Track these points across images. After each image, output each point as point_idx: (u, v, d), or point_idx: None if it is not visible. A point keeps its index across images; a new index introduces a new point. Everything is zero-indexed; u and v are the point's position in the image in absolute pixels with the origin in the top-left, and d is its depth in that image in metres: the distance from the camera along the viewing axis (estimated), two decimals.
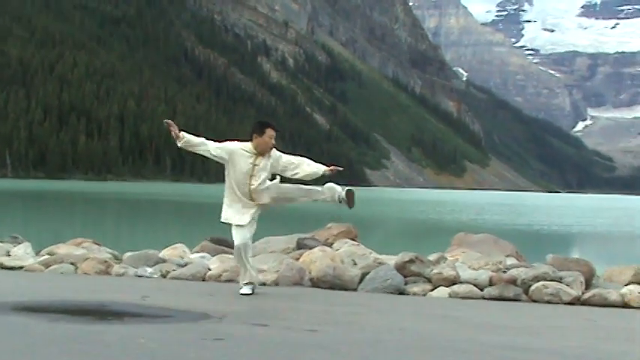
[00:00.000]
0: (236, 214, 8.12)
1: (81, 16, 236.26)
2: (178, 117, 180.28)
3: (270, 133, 8.14)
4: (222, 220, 8.23)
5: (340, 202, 8.27)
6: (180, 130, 8.18)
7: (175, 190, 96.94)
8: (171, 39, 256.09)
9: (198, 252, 10.91)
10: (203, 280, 9.43)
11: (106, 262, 9.94)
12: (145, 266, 9.85)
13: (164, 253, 10.55)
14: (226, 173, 8.21)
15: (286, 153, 8.45)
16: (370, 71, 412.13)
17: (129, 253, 10.56)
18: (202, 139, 8.27)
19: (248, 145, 8.18)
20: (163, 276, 9.60)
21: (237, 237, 8.07)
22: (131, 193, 78.45)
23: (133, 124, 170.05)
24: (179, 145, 8.19)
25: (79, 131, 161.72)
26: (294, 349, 5.44)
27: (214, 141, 8.35)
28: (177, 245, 10.96)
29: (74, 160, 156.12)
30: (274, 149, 8.24)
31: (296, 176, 8.28)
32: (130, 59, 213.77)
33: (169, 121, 8.20)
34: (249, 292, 8.19)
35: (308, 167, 8.27)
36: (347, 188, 8.35)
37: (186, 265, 9.93)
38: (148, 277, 9.58)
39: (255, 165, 8.12)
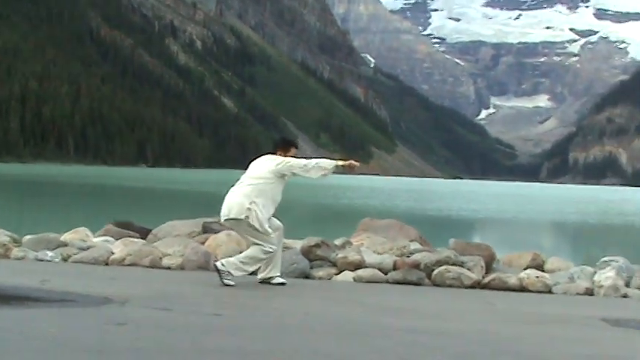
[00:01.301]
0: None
1: None
2: (82, 98, 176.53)
3: (294, 152, 8.44)
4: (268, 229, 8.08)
5: None
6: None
7: (78, 173, 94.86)
8: (76, 18, 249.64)
9: (101, 235, 10.71)
10: (106, 265, 9.26)
11: (4, 245, 9.65)
12: (46, 250, 9.61)
13: (66, 237, 10.31)
14: (278, 185, 8.18)
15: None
16: (279, 55, 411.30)
17: (29, 236, 10.27)
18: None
19: None
20: (65, 260, 9.39)
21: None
22: (32, 175, 76.36)
23: (35, 104, 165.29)
24: (330, 166, 8.31)
25: None
26: (198, 333, 5.40)
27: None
28: (79, 229, 10.72)
29: None
30: None
31: None
32: (32, 38, 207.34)
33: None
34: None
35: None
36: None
37: (88, 248, 9.73)
38: (48, 260, 9.35)
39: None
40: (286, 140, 8.70)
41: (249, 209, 7.91)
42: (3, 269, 8.46)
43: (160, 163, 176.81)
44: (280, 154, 8.30)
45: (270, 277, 8.21)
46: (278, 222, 8.24)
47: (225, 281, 7.88)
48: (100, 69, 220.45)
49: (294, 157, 8.36)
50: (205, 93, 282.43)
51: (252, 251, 8.03)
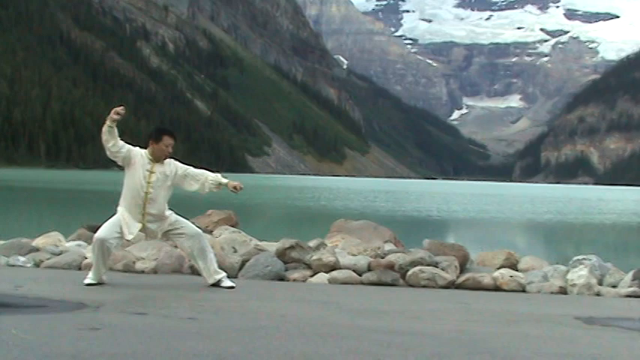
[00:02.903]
0: (125, 226, 7.99)
1: None
2: (54, 101, 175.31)
3: (167, 141, 8.03)
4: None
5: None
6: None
7: (50, 177, 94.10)
8: (46, 20, 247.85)
9: (74, 240, 10.63)
10: (79, 269, 9.19)
11: None
12: (18, 255, 9.53)
13: (38, 242, 10.23)
14: (125, 177, 8.07)
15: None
16: (252, 58, 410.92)
17: (0, 242, 10.18)
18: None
19: (146, 151, 8.08)
20: (37, 265, 9.31)
21: (104, 232, 7.96)
22: (2, 180, 75.67)
23: (6, 108, 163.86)
24: (104, 129, 7.85)
25: None
26: (172, 337, 5.37)
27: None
28: (51, 233, 10.64)
29: None
30: (171, 159, 8.16)
31: (194, 189, 8.23)
32: (2, 41, 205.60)
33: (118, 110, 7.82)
34: (93, 282, 7.88)
35: (210, 182, 8.18)
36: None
37: (61, 253, 9.66)
38: (20, 266, 9.27)
39: (151, 172, 8.01)
40: (159, 129, 8.24)
41: None
42: None
43: None
44: (152, 145, 8.05)
45: (219, 280, 8.17)
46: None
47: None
48: (71, 72, 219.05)
49: (169, 146, 8.06)
50: (178, 96, 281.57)
51: None
